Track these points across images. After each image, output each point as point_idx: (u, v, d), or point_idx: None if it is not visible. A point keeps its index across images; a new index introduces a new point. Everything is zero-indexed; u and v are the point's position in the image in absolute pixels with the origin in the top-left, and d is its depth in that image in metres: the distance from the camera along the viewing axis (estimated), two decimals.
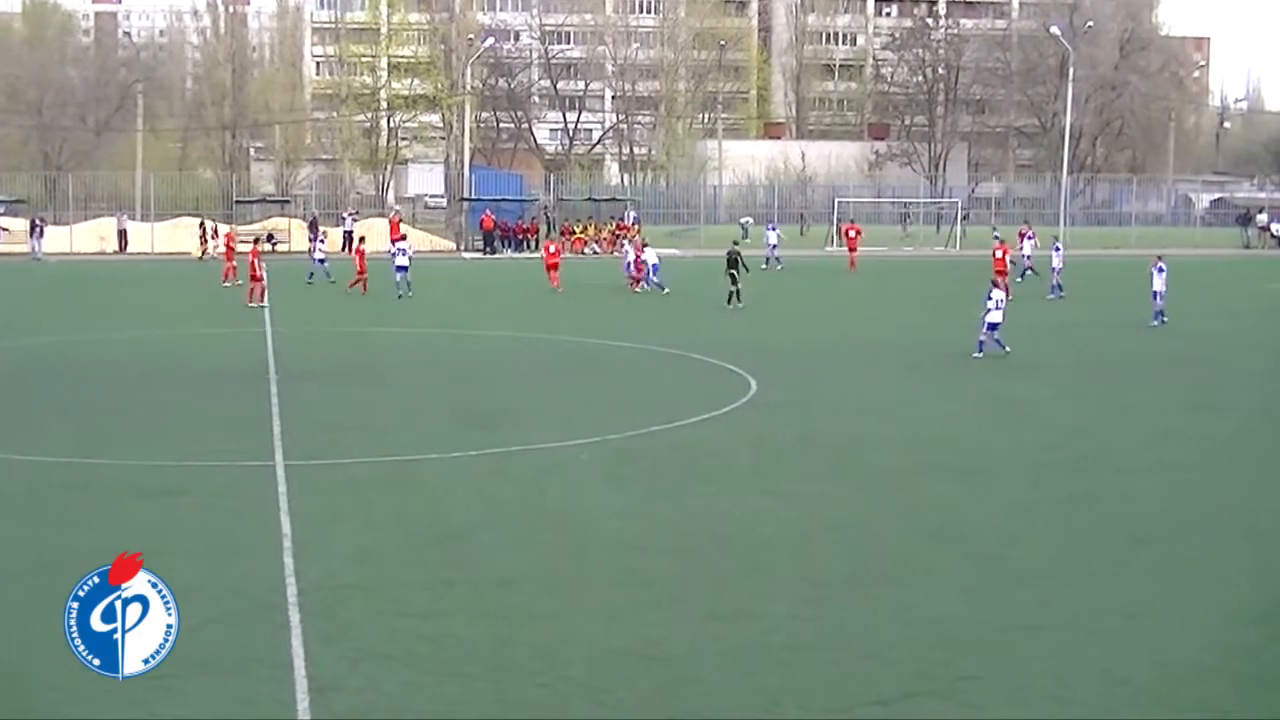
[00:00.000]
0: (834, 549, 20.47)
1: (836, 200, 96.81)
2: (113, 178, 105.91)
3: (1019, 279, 60.21)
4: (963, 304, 48.65)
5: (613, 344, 43.08)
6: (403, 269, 56.71)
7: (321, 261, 63.17)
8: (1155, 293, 48.10)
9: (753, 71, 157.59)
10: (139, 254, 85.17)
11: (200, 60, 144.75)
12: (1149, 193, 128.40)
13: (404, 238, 65.04)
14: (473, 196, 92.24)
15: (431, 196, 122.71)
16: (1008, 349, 39.90)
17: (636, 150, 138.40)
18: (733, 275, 53.07)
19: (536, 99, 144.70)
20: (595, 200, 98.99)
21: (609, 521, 21.94)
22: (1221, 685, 15.43)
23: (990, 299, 39.93)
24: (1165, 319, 47.71)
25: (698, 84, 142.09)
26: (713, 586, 18.59)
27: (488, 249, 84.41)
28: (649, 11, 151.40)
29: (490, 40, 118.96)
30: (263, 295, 53.46)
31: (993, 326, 39.88)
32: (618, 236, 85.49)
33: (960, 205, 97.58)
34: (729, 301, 52.61)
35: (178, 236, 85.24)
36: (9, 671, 15.23)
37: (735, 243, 57.38)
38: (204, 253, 79.52)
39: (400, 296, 55.53)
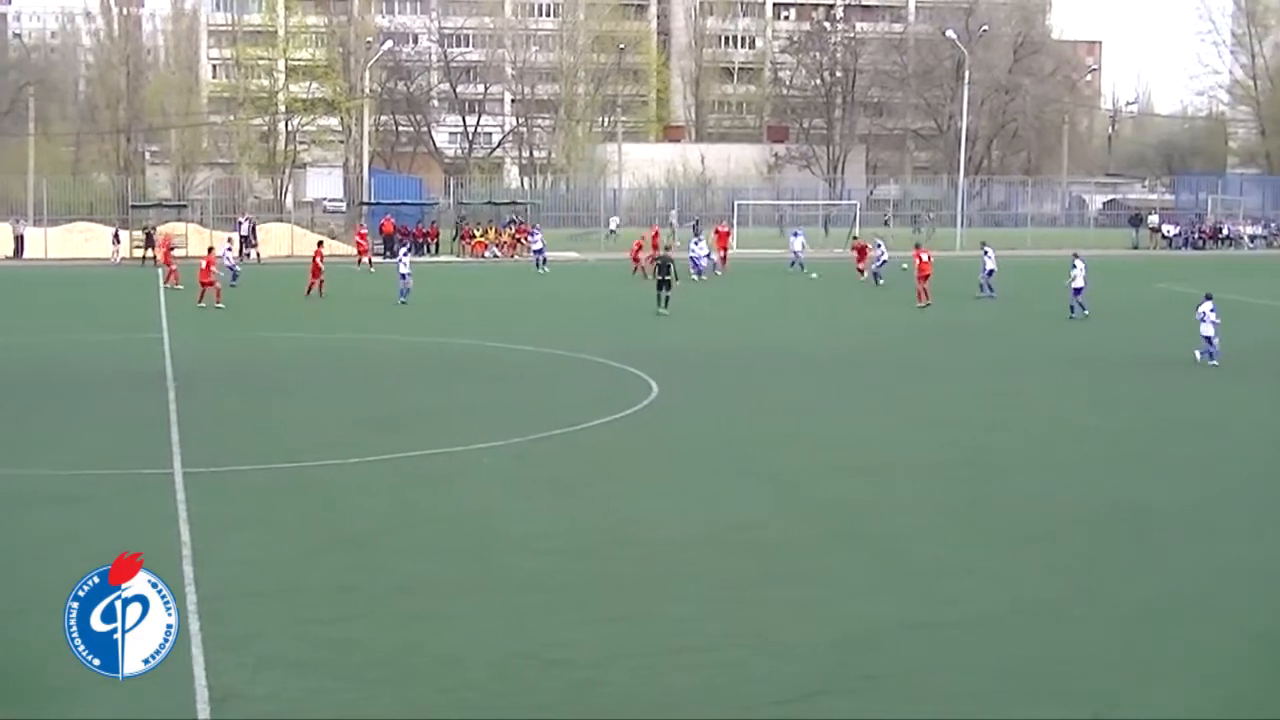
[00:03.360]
0: (734, 549, 20.59)
1: (736, 203, 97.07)
2: (3, 182, 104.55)
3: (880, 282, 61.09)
4: (869, 307, 49.18)
5: (516, 348, 43.04)
6: (405, 276, 56.10)
7: (231, 267, 62.71)
8: (1076, 289, 49.15)
9: (652, 75, 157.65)
10: (34, 260, 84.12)
11: (94, 63, 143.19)
12: (1044, 194, 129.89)
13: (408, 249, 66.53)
14: (372, 200, 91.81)
15: (330, 200, 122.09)
16: None
17: (536, 154, 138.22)
18: (667, 281, 51.28)
19: (436, 102, 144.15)
20: (495, 204, 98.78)
21: (511, 525, 21.97)
22: (1115, 678, 15.69)
23: None
24: (1086, 311, 48.68)
25: (597, 87, 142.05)
26: (615, 588, 18.68)
27: (388, 253, 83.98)
28: (548, 15, 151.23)
29: (389, 43, 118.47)
30: (218, 296, 54.00)
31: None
32: (518, 240, 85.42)
33: (859, 207, 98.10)
34: (661, 306, 50.94)
35: (73, 242, 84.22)
36: None
37: (667, 247, 56.95)
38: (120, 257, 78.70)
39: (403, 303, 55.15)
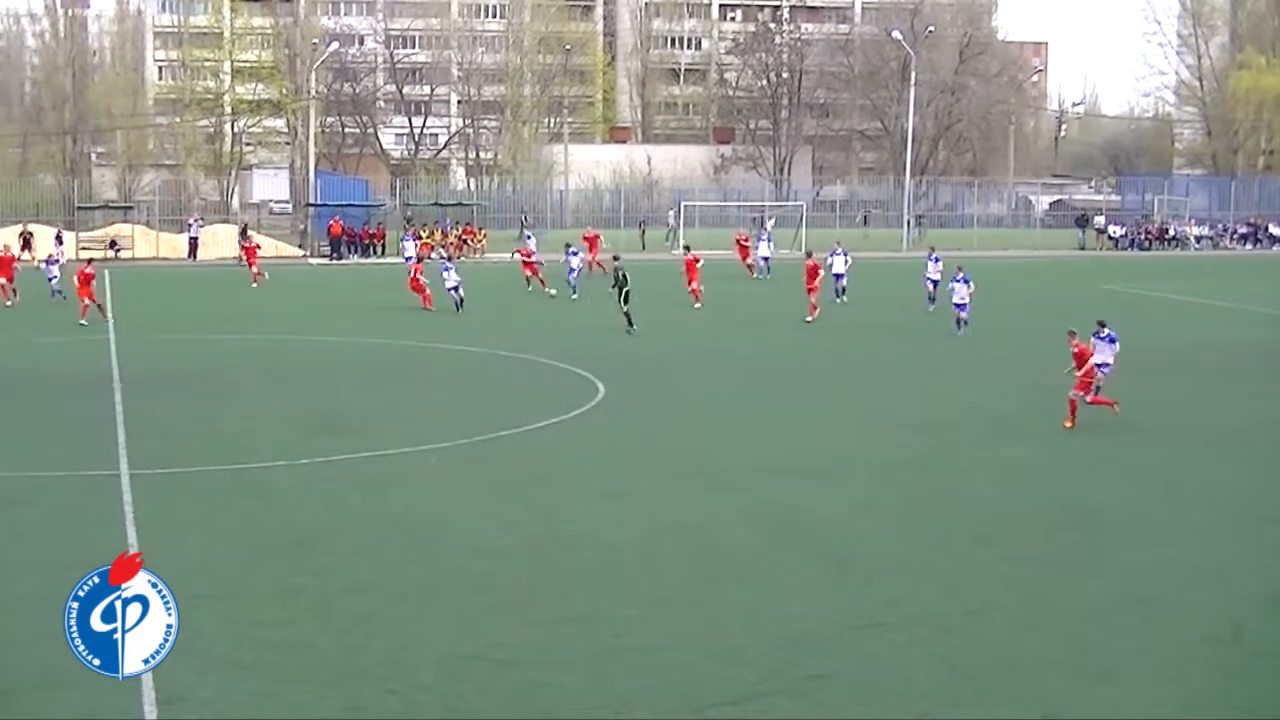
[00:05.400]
0: (681, 550, 20.61)
1: (682, 204, 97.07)
2: None
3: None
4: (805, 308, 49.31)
5: (462, 349, 42.98)
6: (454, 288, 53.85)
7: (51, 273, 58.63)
8: (958, 304, 47.21)
9: (598, 76, 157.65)
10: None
11: (39, 64, 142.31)
12: (990, 195, 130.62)
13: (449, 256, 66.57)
14: (319, 202, 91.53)
15: (276, 202, 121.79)
16: None
17: (483, 155, 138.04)
18: (626, 294, 46.27)
19: (382, 104, 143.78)
20: (442, 205, 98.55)
21: (457, 526, 21.95)
22: (1066, 678, 15.76)
23: None
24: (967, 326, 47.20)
25: (543, 88, 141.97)
26: (561, 590, 18.66)
27: (335, 255, 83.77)
28: (494, 16, 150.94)
29: (335, 45, 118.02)
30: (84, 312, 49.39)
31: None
32: (464, 241, 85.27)
33: (805, 208, 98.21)
34: (629, 324, 46.22)
35: (17, 243, 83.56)
36: None
37: (616, 257, 52.01)
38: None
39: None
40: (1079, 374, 29.81)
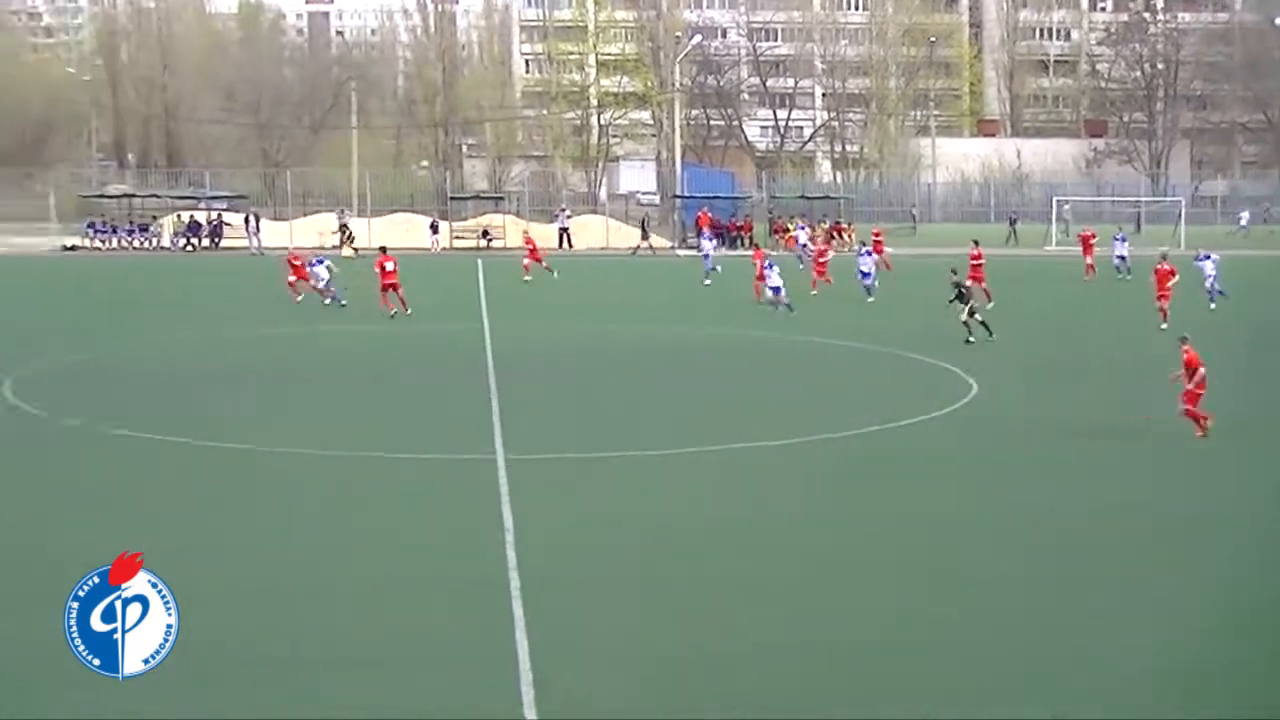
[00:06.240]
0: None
1: (1055, 199, 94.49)
2: (329, 174, 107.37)
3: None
4: None
5: (833, 343, 42.13)
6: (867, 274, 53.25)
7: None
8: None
9: (964, 68, 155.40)
10: (360, 249, 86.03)
11: (411, 58, 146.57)
12: None
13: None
14: (685, 194, 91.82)
15: (643, 194, 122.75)
16: None
17: (848, 148, 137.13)
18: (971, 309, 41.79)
19: (746, 96, 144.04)
20: (808, 198, 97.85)
21: (824, 522, 21.11)
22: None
23: None
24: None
25: (908, 81, 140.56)
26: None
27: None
28: (857, 9, 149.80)
29: (697, 38, 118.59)
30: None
31: None
32: (832, 236, 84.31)
33: (1184, 204, 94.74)
34: (969, 334, 41.34)
35: (395, 232, 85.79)
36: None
37: (954, 270, 44.14)
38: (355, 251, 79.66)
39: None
40: (1188, 384, 27.04)
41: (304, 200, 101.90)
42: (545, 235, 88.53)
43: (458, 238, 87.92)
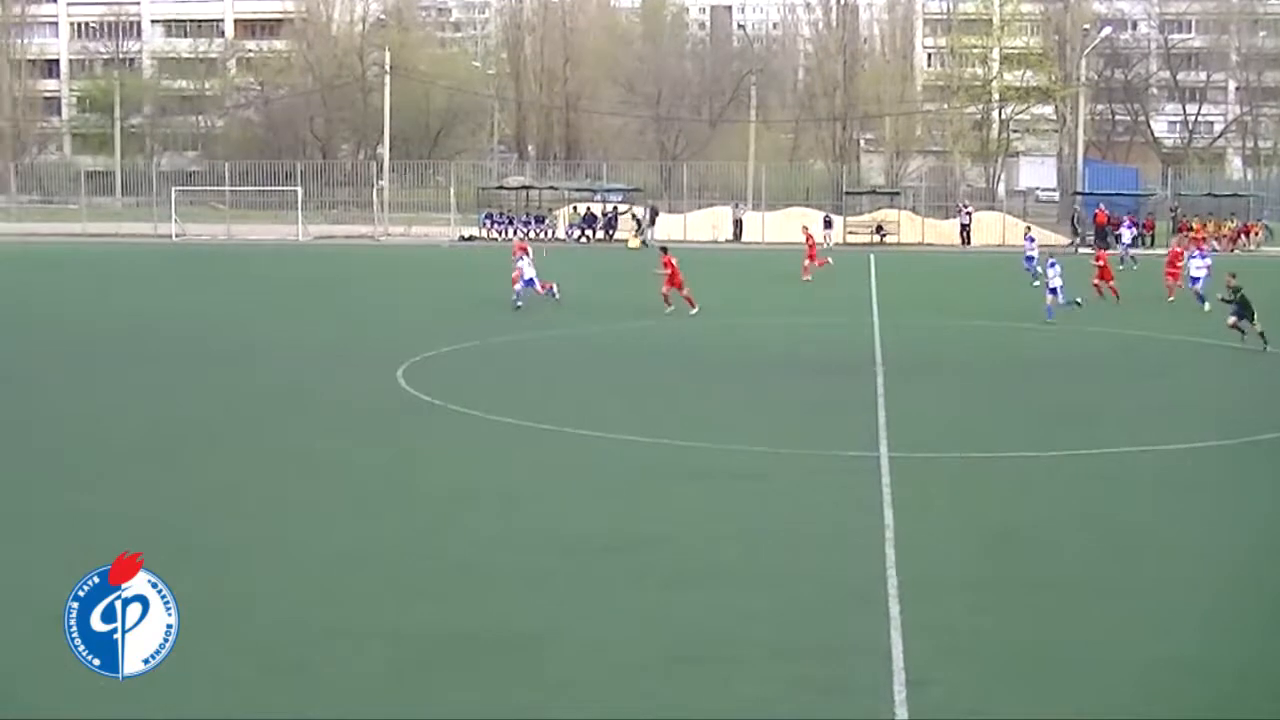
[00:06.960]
0: None
1: None
2: (725, 168, 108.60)
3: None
4: None
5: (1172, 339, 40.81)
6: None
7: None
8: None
9: None
10: (751, 243, 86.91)
11: (811, 52, 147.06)
12: None
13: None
14: (1085, 190, 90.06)
15: (1042, 190, 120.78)
16: None
17: (1261, 144, 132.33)
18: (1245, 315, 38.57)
19: (1154, 90, 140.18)
20: (1215, 196, 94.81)
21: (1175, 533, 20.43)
22: None
23: None
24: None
25: None
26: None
27: (1099, 243, 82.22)
28: None
29: (1106, 30, 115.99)
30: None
31: None
32: (1239, 235, 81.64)
33: None
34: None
35: (789, 227, 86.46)
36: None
37: (1233, 275, 40.48)
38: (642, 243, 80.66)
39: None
40: None
41: (699, 193, 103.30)
42: (945, 231, 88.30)
43: (851, 233, 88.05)
